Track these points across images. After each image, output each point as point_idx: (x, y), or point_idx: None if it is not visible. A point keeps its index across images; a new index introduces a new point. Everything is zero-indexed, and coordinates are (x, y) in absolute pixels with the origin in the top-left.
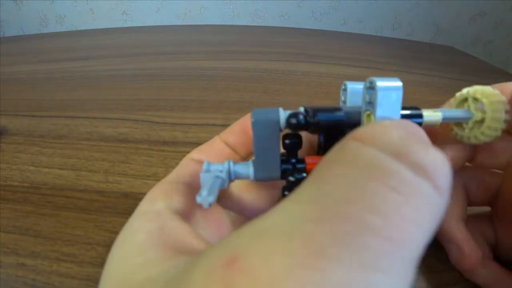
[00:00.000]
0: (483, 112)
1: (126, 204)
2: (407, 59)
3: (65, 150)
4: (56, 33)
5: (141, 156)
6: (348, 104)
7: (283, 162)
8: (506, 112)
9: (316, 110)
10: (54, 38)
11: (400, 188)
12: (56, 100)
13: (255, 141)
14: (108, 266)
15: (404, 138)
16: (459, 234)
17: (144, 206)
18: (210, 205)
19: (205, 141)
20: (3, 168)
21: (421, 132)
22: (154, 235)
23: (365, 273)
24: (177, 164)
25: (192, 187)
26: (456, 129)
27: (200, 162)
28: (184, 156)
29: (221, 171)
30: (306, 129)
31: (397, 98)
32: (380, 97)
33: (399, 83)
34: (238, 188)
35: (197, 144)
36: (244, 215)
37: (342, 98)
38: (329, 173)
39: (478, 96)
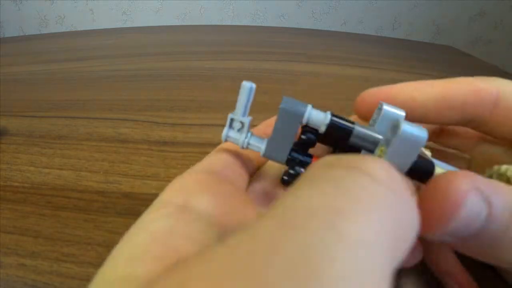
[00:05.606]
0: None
1: (126, 205)
2: (407, 59)
3: (65, 151)
4: (56, 33)
5: (141, 157)
6: (378, 127)
7: (293, 151)
8: None
9: (332, 124)
10: (54, 39)
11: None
12: (56, 100)
13: (276, 124)
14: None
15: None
16: (454, 267)
17: (166, 194)
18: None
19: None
20: (3, 168)
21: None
22: (158, 238)
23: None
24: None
25: (222, 180)
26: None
27: (232, 152)
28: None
29: (237, 139)
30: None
31: (414, 151)
32: (396, 145)
33: (423, 137)
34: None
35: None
36: None
37: (374, 116)
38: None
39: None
